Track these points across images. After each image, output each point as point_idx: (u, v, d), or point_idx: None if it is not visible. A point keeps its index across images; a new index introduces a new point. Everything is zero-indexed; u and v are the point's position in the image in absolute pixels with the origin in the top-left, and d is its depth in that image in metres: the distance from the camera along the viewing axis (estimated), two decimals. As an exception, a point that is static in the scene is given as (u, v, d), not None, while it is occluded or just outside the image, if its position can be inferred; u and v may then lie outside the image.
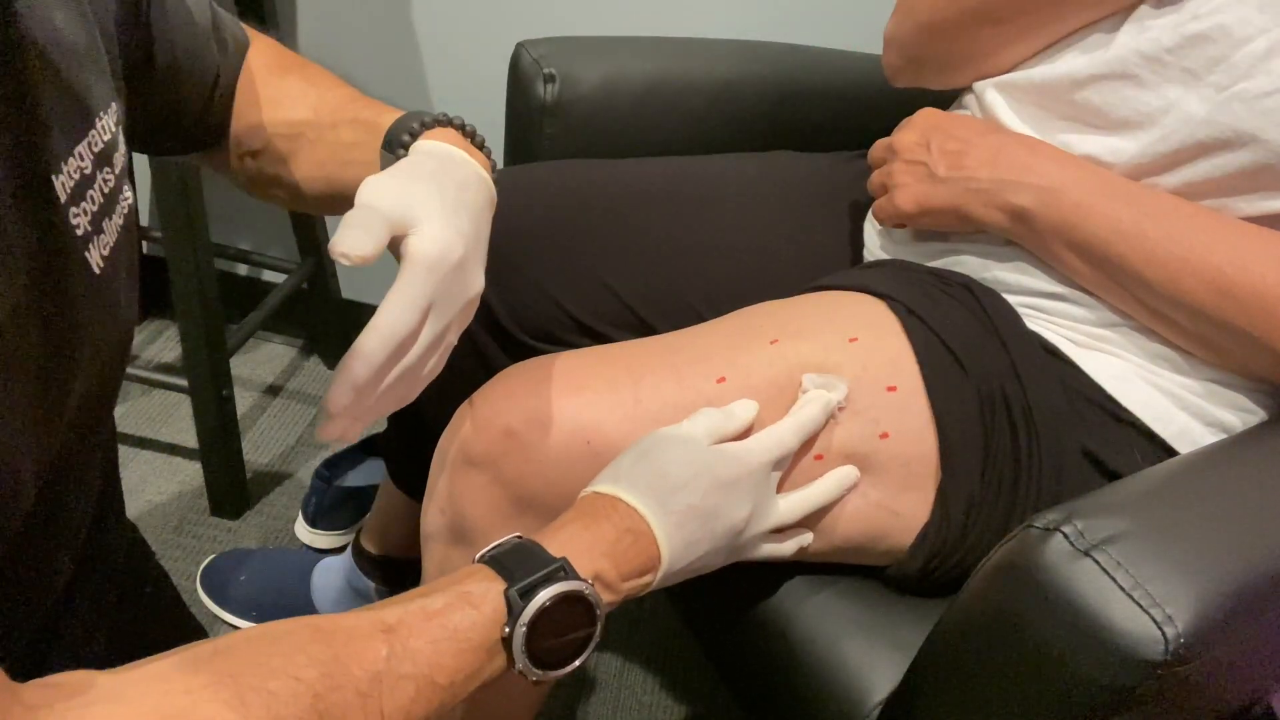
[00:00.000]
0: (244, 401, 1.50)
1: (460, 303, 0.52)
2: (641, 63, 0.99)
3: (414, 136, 0.59)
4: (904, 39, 0.84)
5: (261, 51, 0.69)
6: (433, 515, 0.69)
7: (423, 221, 0.50)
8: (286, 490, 1.38)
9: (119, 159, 0.50)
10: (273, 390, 1.55)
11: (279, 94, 0.67)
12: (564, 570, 0.51)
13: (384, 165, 0.60)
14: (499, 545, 0.53)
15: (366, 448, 1.33)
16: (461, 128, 0.61)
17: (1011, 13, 0.75)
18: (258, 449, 1.44)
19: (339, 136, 0.65)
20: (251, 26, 0.70)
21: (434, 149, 0.57)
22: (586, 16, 1.30)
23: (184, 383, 1.26)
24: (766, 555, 0.64)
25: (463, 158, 0.58)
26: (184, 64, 0.60)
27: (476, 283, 0.54)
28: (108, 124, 0.49)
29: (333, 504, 1.28)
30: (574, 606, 0.51)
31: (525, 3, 1.31)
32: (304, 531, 1.29)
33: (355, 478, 1.31)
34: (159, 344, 1.58)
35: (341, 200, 0.64)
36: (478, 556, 0.53)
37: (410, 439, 0.97)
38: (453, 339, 0.53)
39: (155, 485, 1.36)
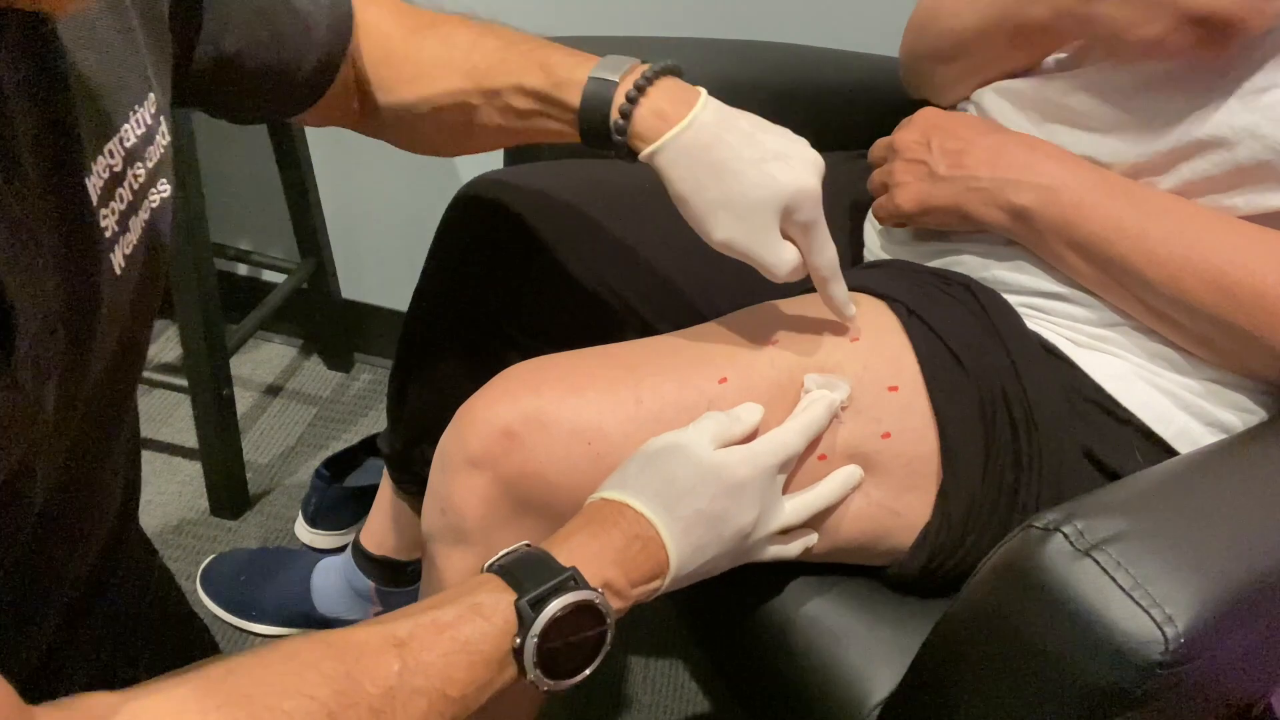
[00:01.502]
0: (244, 401, 1.50)
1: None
2: (641, 63, 0.99)
3: (623, 133, 0.64)
4: (900, 61, 0.90)
5: (386, 14, 0.69)
6: (433, 516, 0.69)
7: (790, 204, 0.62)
8: (286, 490, 1.38)
9: (154, 151, 0.49)
10: (273, 390, 1.55)
11: (421, 63, 0.68)
12: (574, 580, 0.51)
13: (587, 144, 0.66)
14: (508, 554, 0.53)
15: (366, 448, 1.33)
16: (660, 73, 0.64)
17: (956, 54, 0.81)
18: (258, 449, 1.44)
19: (510, 104, 0.66)
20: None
21: (685, 146, 0.63)
22: (587, 16, 1.30)
23: (184, 383, 1.26)
24: (773, 556, 0.63)
25: (707, 129, 0.63)
26: (251, 49, 0.61)
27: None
28: (143, 117, 0.48)
29: (333, 504, 1.28)
30: (584, 616, 0.51)
31: (525, 3, 1.31)
32: (304, 531, 1.29)
33: (355, 478, 1.31)
34: (159, 344, 1.58)
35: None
36: (486, 566, 0.53)
37: (410, 439, 0.97)
38: None
39: (155, 485, 1.36)
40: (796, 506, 0.63)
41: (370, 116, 0.71)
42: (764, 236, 0.62)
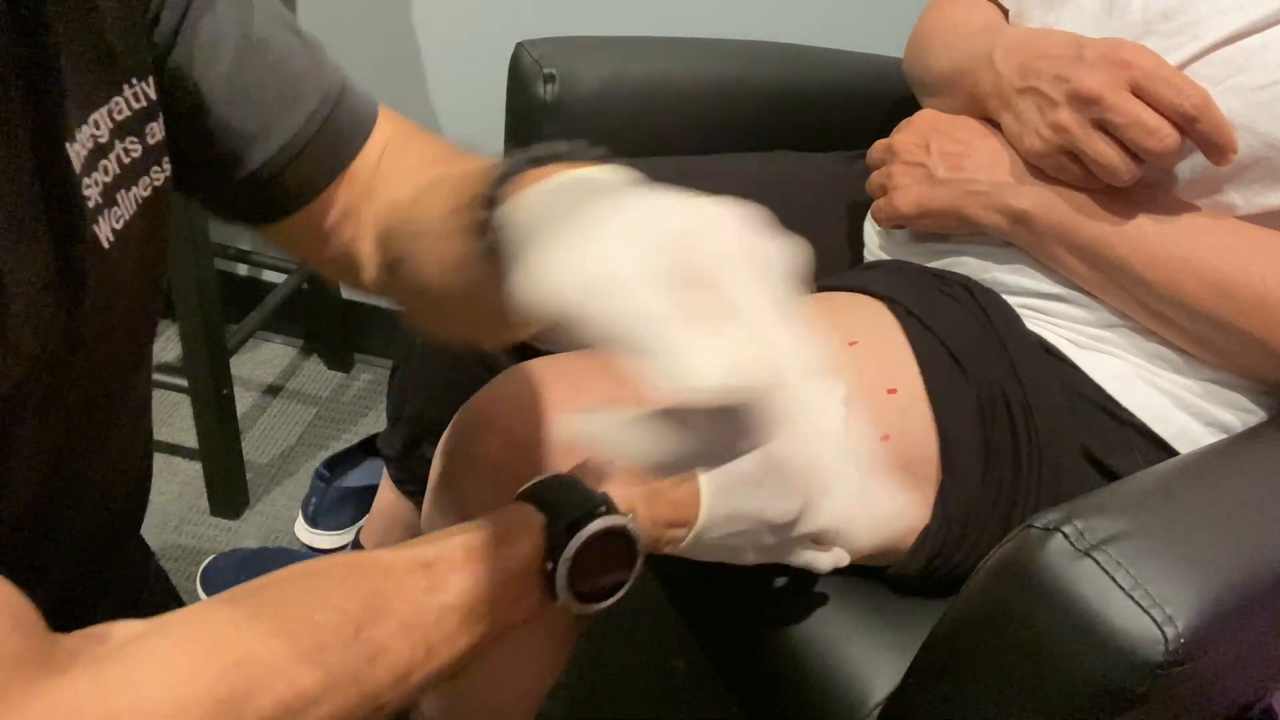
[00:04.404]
0: (244, 401, 1.50)
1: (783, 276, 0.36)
2: (641, 63, 0.99)
3: (496, 204, 0.38)
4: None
5: (407, 145, 0.57)
6: (434, 516, 0.69)
7: (681, 233, 0.33)
8: (286, 490, 1.38)
9: (154, 130, 0.48)
10: (273, 390, 1.55)
11: (404, 186, 0.54)
12: (606, 506, 0.50)
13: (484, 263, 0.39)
14: (540, 481, 0.52)
15: (366, 448, 1.33)
16: (565, 156, 0.40)
17: (937, 91, 0.83)
18: (258, 449, 1.44)
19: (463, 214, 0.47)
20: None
21: (547, 187, 0.37)
22: (586, 16, 1.30)
23: (184, 383, 1.26)
24: (804, 563, 0.62)
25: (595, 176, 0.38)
26: (222, 105, 0.51)
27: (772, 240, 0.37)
28: (141, 91, 0.47)
29: (333, 504, 1.28)
30: (615, 541, 0.50)
31: (525, 3, 1.31)
32: (304, 531, 1.29)
33: (355, 478, 1.31)
34: (159, 344, 1.58)
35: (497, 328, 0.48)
36: (517, 494, 0.52)
37: (411, 439, 0.97)
38: None
39: (155, 485, 1.34)
40: (837, 509, 0.59)
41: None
42: None
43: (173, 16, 0.49)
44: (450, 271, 0.44)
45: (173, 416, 1.46)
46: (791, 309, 0.32)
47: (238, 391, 1.35)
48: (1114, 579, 0.50)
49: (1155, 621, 0.49)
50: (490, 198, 0.38)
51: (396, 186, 0.53)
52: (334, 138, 0.54)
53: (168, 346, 1.57)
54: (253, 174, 0.53)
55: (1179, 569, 0.51)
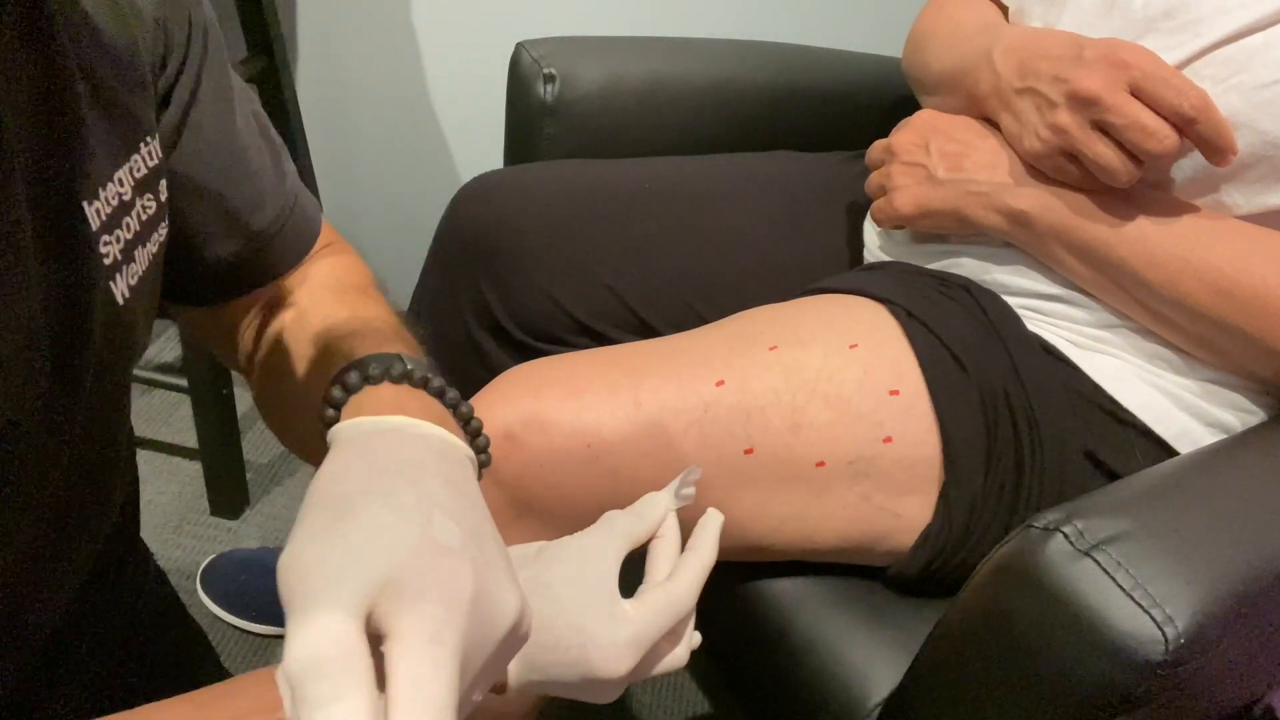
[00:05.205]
0: (244, 401, 1.49)
1: (490, 643, 0.35)
2: (641, 63, 0.99)
3: (338, 405, 0.43)
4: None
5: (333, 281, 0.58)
6: (433, 516, 0.69)
7: (397, 582, 0.32)
8: (286, 490, 1.38)
9: (163, 187, 0.48)
10: (273, 390, 1.55)
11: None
12: None
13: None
14: None
15: (366, 448, 1.33)
16: (417, 380, 0.44)
17: (935, 90, 0.83)
18: (258, 449, 1.44)
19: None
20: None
21: (366, 427, 0.40)
22: (586, 16, 1.30)
23: (184, 383, 1.26)
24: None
25: (414, 431, 0.40)
26: (193, 198, 0.52)
27: (506, 606, 0.35)
28: (154, 150, 0.47)
29: (333, 504, 1.28)
30: None
31: (525, 3, 1.31)
32: (304, 531, 1.29)
33: (355, 478, 1.31)
34: (159, 344, 1.58)
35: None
36: None
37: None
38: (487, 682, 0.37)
39: (155, 485, 1.36)
40: (645, 613, 0.47)
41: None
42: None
43: (163, 90, 0.50)
44: (313, 435, 0.46)
45: (173, 416, 1.46)
46: (448, 683, 0.31)
47: (238, 391, 1.35)
48: (1114, 579, 0.50)
49: (1155, 621, 0.49)
50: (332, 413, 0.43)
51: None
52: (275, 251, 0.56)
53: (168, 346, 1.57)
54: (194, 270, 0.55)
55: (1179, 569, 0.51)
